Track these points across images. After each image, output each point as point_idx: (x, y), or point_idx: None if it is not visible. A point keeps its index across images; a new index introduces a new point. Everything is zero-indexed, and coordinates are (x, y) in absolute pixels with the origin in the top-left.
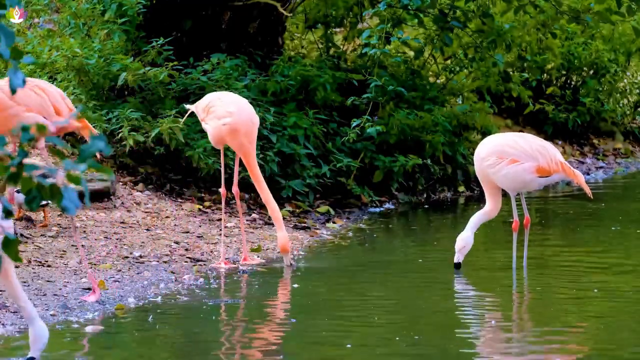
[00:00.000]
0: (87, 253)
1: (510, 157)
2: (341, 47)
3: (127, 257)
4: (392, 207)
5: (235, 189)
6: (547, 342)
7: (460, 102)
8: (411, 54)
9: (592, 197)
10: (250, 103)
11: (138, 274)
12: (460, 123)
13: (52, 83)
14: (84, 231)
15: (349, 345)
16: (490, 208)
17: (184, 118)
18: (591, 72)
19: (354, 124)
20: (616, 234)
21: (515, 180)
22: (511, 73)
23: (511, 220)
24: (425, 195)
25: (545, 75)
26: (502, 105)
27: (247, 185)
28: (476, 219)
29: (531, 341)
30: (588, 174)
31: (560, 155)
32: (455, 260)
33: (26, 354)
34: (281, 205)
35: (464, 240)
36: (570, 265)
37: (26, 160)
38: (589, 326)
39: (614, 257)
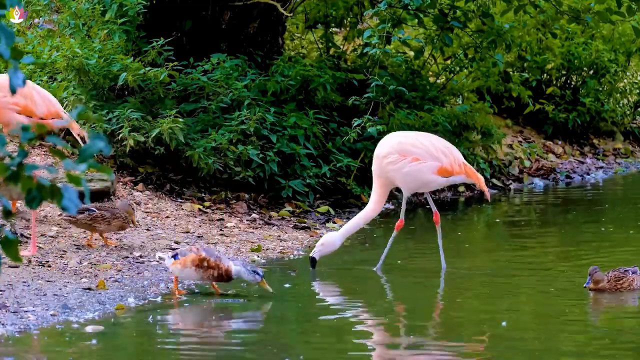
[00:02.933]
0: (87, 253)
1: (413, 156)
2: (341, 47)
3: (127, 257)
4: (392, 207)
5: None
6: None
7: (460, 102)
8: (411, 54)
9: (489, 199)
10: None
11: (138, 274)
12: (460, 123)
13: (52, 83)
14: (84, 231)
15: (348, 345)
16: (372, 208)
17: None
18: (591, 72)
19: (355, 123)
20: (598, 235)
21: (417, 179)
22: (511, 73)
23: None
24: (425, 195)
25: (545, 75)
26: (502, 105)
27: (247, 185)
28: (354, 224)
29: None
30: (588, 174)
31: (462, 157)
32: (311, 255)
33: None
34: (281, 205)
35: (329, 242)
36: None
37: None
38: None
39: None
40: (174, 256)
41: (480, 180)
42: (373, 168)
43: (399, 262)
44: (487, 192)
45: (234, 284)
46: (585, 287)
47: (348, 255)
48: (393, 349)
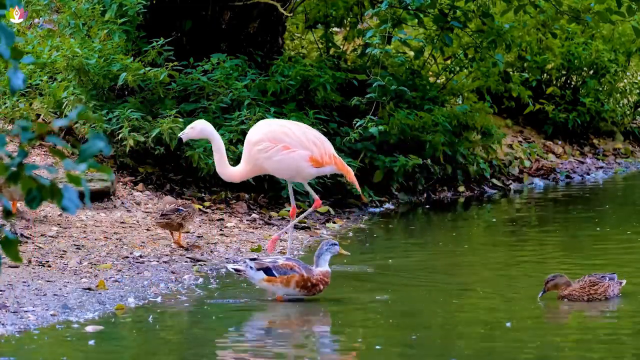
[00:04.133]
0: (87, 253)
1: (284, 144)
2: (341, 47)
3: (127, 257)
4: (392, 207)
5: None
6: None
7: (460, 102)
8: (411, 54)
9: (361, 192)
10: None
11: (138, 274)
12: (460, 123)
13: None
14: (84, 231)
15: (348, 345)
16: (234, 170)
17: None
18: (591, 72)
19: (357, 124)
20: (598, 235)
21: (289, 168)
22: (511, 73)
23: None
24: (425, 195)
25: (545, 75)
26: (502, 105)
27: (247, 185)
28: (221, 152)
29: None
30: (588, 174)
31: (333, 149)
32: (180, 135)
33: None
34: (281, 205)
35: (199, 128)
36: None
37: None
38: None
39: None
40: (266, 271)
41: (349, 173)
42: (243, 154)
43: (400, 261)
44: (357, 185)
45: (235, 284)
46: (539, 297)
47: (348, 256)
48: (393, 349)
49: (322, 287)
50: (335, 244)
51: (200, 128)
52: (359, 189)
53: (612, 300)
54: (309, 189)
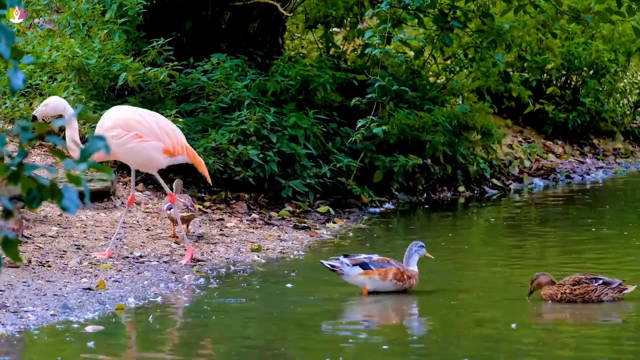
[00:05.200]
0: (87, 253)
1: (136, 132)
2: (341, 47)
3: (127, 257)
4: (392, 207)
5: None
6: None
7: (460, 102)
8: (411, 54)
9: (211, 183)
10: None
11: (138, 274)
12: (460, 123)
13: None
14: (84, 231)
15: (348, 345)
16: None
17: None
18: (591, 72)
19: (360, 124)
20: (598, 235)
21: (141, 156)
22: (511, 73)
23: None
24: (425, 195)
25: (545, 75)
26: (502, 105)
27: (247, 185)
28: (72, 134)
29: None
30: (588, 174)
31: (185, 139)
32: (33, 113)
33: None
34: (281, 205)
35: (53, 104)
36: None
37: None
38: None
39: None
40: (362, 265)
41: (201, 164)
42: None
43: (401, 260)
44: (208, 176)
45: (235, 284)
46: (528, 299)
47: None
48: (393, 349)
49: (414, 281)
50: (423, 246)
51: (53, 104)
52: (209, 179)
53: (613, 303)
54: (160, 180)
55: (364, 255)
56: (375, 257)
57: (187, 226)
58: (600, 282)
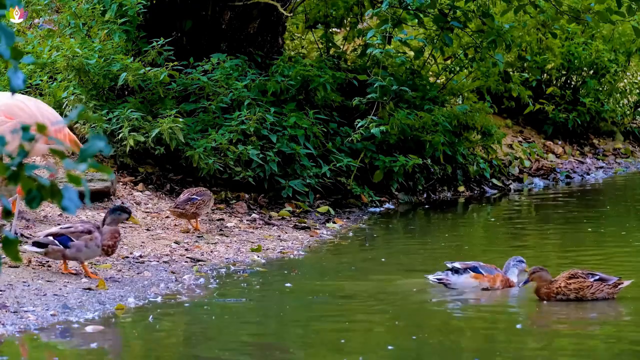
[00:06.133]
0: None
1: (19, 119)
2: (341, 47)
3: (127, 257)
4: (392, 207)
5: None
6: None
7: (460, 102)
8: (411, 54)
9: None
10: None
11: (138, 274)
12: (460, 123)
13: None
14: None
15: (348, 345)
16: None
17: None
18: (591, 72)
19: (359, 124)
20: (597, 235)
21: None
22: (511, 73)
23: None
24: (425, 195)
25: (545, 75)
26: (502, 105)
27: (247, 185)
28: None
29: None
30: (588, 174)
31: (68, 129)
32: None
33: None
34: (281, 205)
35: None
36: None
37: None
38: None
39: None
40: (473, 269)
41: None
42: None
43: (401, 260)
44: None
45: (235, 284)
46: (520, 286)
47: (348, 254)
48: (393, 349)
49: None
50: (522, 261)
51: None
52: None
53: (612, 303)
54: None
55: (470, 262)
56: (482, 263)
57: (190, 221)
58: (597, 277)
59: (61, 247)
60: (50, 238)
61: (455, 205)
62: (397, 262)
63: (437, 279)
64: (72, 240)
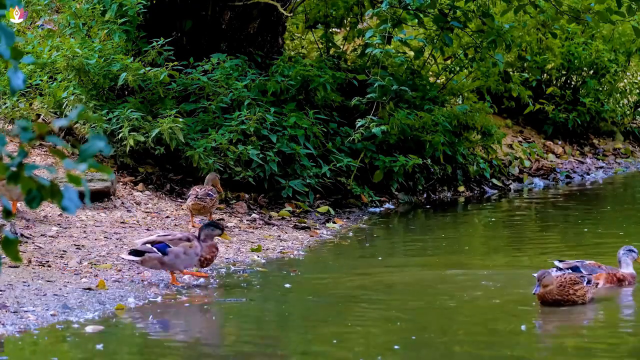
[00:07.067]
0: (87, 253)
1: None
2: (341, 47)
3: None
4: (392, 207)
5: None
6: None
7: (460, 102)
8: (411, 54)
9: None
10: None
11: (138, 274)
12: (460, 123)
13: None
14: (84, 231)
15: (348, 345)
16: None
17: None
18: (591, 72)
19: (359, 124)
20: (597, 235)
21: None
22: (511, 73)
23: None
24: (425, 195)
25: (545, 75)
26: (502, 105)
27: (247, 185)
28: None
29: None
30: (588, 174)
31: None
32: None
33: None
34: (281, 205)
35: None
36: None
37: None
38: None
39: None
40: (574, 269)
41: None
42: None
43: (402, 260)
44: None
45: (235, 284)
46: (534, 293)
47: (348, 254)
48: (393, 349)
49: (627, 283)
50: (632, 250)
51: None
52: None
53: (613, 304)
54: None
55: (575, 260)
56: (587, 262)
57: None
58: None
59: (159, 254)
60: (148, 245)
61: (455, 205)
62: (397, 262)
63: (558, 264)
64: (170, 247)
